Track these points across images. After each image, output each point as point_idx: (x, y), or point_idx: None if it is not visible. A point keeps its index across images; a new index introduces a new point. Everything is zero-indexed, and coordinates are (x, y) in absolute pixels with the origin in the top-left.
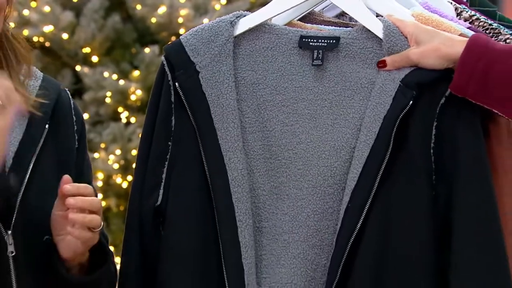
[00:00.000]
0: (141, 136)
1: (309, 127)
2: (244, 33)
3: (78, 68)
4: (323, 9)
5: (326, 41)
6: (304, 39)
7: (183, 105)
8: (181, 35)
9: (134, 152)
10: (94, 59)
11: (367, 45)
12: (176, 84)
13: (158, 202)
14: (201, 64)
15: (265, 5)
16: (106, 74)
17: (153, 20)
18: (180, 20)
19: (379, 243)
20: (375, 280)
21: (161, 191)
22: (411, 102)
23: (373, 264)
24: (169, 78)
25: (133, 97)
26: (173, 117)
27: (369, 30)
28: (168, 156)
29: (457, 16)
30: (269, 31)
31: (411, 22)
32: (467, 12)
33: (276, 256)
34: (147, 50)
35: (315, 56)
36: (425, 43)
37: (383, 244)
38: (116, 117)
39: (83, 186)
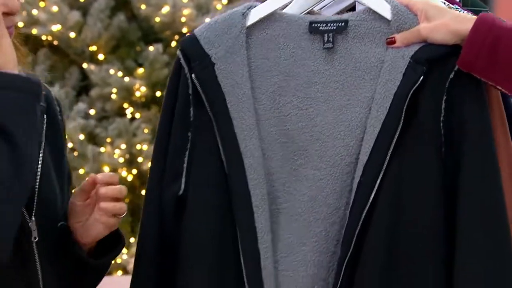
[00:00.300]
0: (159, 127)
1: (324, 110)
2: (255, 23)
3: (85, 65)
4: (321, 8)
5: (335, 24)
6: (313, 24)
7: (200, 96)
8: (184, 33)
9: (139, 147)
10: (100, 57)
11: (375, 25)
12: (193, 75)
13: (181, 192)
14: (216, 56)
15: None
16: (112, 71)
17: (157, 19)
18: (183, 19)
19: (391, 216)
20: (388, 251)
21: (183, 180)
22: (421, 77)
23: (386, 236)
24: (186, 71)
25: (137, 94)
26: (191, 108)
27: (376, 12)
28: (188, 147)
29: None
30: (279, 20)
31: (421, 0)
32: (460, 11)
33: (297, 235)
34: (151, 48)
35: (325, 39)
36: (436, 18)
37: (395, 216)
38: (121, 112)
39: (113, 175)
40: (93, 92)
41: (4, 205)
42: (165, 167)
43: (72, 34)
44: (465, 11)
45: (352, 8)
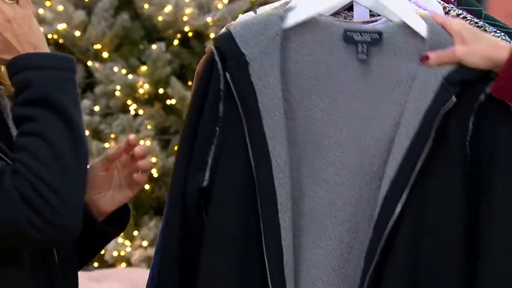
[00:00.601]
0: (187, 119)
1: (351, 118)
2: (292, 26)
3: (89, 63)
4: None
5: (369, 35)
6: (348, 33)
7: (232, 93)
8: (186, 32)
9: (142, 143)
10: (105, 55)
11: (409, 40)
12: (227, 73)
13: (205, 184)
14: (250, 55)
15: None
16: (115, 69)
17: (160, 18)
18: (185, 18)
19: (415, 233)
20: (411, 268)
21: (207, 173)
22: (454, 98)
23: (409, 252)
24: (219, 67)
25: (141, 91)
26: (221, 104)
27: (409, 27)
28: (215, 140)
29: (445, 14)
30: (314, 24)
31: (457, 21)
32: (454, 11)
33: (312, 237)
34: (154, 46)
35: (359, 50)
36: (472, 42)
37: (419, 234)
38: (125, 109)
39: (135, 137)
40: (98, 89)
41: (73, 175)
42: (191, 159)
43: (77, 33)
44: (460, 10)
45: (349, 8)
